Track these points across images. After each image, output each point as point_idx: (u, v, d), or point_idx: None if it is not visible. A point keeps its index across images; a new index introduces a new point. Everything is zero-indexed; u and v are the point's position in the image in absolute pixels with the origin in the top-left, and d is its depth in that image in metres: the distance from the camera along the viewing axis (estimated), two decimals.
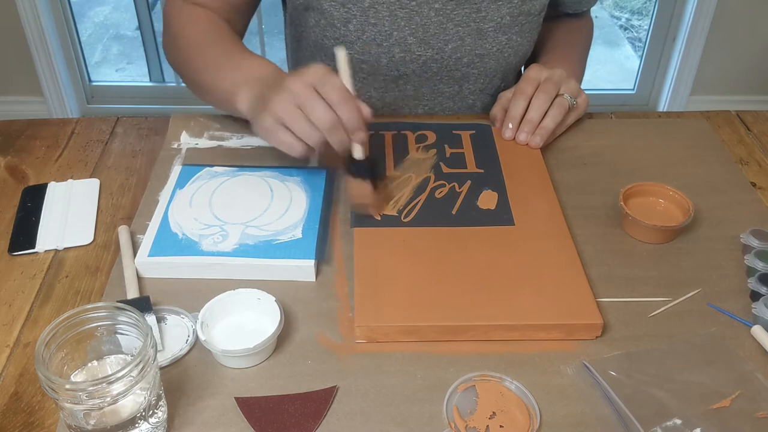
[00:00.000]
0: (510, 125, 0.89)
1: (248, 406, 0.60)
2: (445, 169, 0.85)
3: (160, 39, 2.60)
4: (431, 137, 0.90)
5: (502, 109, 0.92)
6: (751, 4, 2.40)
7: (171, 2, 0.95)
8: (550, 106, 0.89)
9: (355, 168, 0.76)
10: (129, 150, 0.93)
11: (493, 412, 0.60)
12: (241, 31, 1.00)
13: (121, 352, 0.58)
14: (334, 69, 0.73)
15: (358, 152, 0.75)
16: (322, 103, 0.70)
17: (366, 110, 0.73)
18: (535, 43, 1.03)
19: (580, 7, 1.08)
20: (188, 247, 0.73)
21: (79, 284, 0.73)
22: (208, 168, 0.85)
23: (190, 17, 0.92)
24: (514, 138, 0.90)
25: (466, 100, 1.03)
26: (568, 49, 0.96)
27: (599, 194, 0.84)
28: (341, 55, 0.74)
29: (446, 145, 0.89)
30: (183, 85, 2.63)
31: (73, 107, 2.59)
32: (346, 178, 0.78)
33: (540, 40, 1.05)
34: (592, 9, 1.12)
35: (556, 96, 0.90)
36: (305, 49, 1.02)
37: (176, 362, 0.64)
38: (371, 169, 0.77)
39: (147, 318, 0.66)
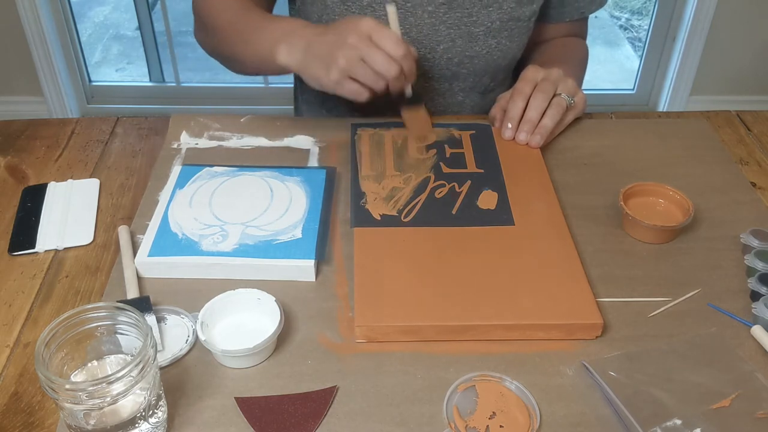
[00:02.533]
0: (509, 125, 0.90)
1: (248, 406, 0.60)
2: (445, 169, 0.85)
3: (160, 39, 2.61)
4: (431, 137, 0.90)
5: (501, 110, 0.93)
6: (751, 4, 2.40)
7: None
8: (548, 106, 0.90)
9: (409, 102, 0.88)
10: (129, 150, 0.93)
11: (493, 412, 0.60)
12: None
13: (121, 352, 0.58)
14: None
15: (410, 91, 0.87)
16: (384, 55, 0.78)
17: (416, 55, 0.84)
18: (525, 47, 1.05)
19: (582, 12, 1.07)
20: (188, 247, 0.73)
21: (79, 284, 0.73)
22: (208, 168, 0.85)
23: (218, 3, 0.96)
24: (514, 138, 0.90)
25: (456, 97, 1.05)
26: (565, 65, 0.98)
27: (599, 194, 0.84)
28: (392, 10, 0.84)
29: (446, 145, 0.89)
30: (183, 85, 2.66)
31: (73, 107, 2.59)
32: (403, 114, 0.90)
33: (533, 56, 1.07)
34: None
35: (554, 95, 0.91)
36: None
37: (176, 362, 0.64)
38: (420, 101, 0.89)
39: (147, 318, 0.66)
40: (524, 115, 0.90)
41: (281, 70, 0.87)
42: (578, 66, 1.09)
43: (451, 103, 1.06)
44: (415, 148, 0.88)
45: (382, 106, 0.92)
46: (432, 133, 0.91)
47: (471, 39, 0.97)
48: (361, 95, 0.81)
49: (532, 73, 0.92)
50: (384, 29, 0.79)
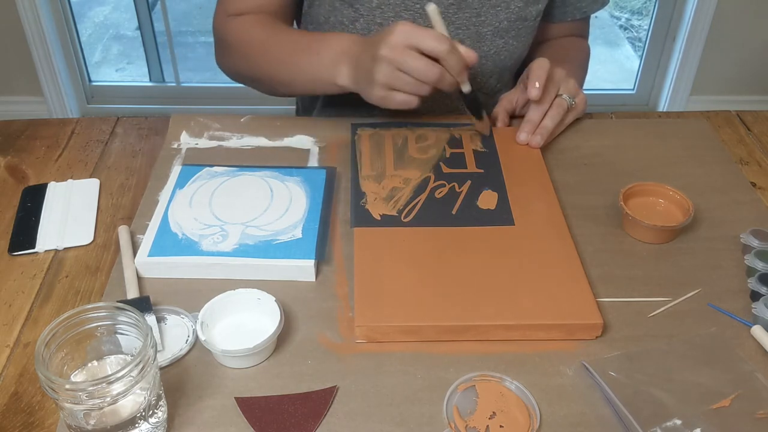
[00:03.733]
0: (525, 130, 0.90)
1: (248, 406, 0.60)
2: (445, 169, 0.85)
3: (160, 39, 2.61)
4: (431, 137, 0.90)
5: (504, 110, 0.94)
6: (751, 4, 2.40)
7: (219, 19, 0.98)
8: (549, 107, 0.90)
9: (466, 99, 0.85)
10: (129, 150, 0.93)
11: (493, 412, 0.60)
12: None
13: (121, 352, 0.58)
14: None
15: (466, 88, 0.83)
16: (422, 60, 0.76)
17: (468, 54, 0.79)
18: (529, 47, 1.05)
19: (584, 12, 1.08)
20: (188, 247, 0.73)
21: (79, 284, 0.73)
22: (208, 168, 0.85)
23: (245, 24, 0.95)
24: (516, 137, 0.90)
25: (487, 102, 1.04)
26: (566, 65, 0.98)
27: (599, 194, 0.84)
28: (432, 9, 0.80)
29: (446, 145, 0.89)
30: (183, 85, 2.66)
31: (73, 107, 2.59)
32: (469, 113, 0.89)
33: (535, 56, 1.06)
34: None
35: (555, 96, 0.91)
36: None
37: (176, 362, 0.64)
38: (477, 99, 0.87)
39: (147, 318, 0.66)
40: (525, 115, 0.90)
41: (340, 90, 0.86)
42: (579, 66, 1.09)
43: (457, 105, 1.05)
44: (415, 148, 0.88)
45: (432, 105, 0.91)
46: (486, 130, 0.90)
47: (479, 39, 0.98)
48: (411, 103, 0.80)
49: (540, 69, 0.91)
50: (420, 30, 0.76)
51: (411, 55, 0.75)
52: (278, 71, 0.92)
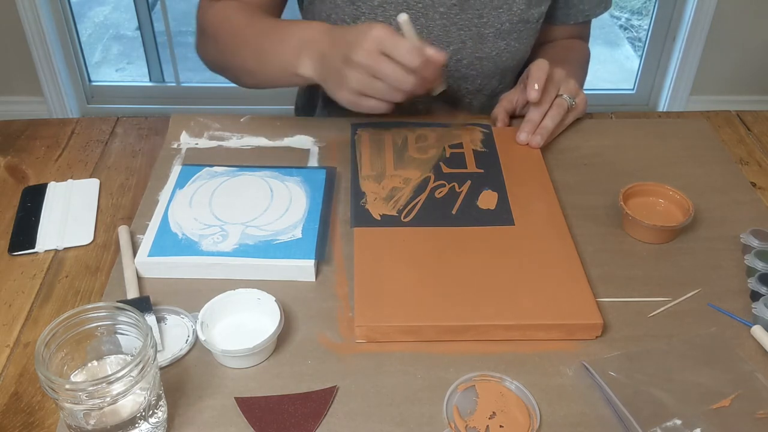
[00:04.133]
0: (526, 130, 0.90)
1: (248, 406, 0.60)
2: (445, 169, 0.85)
3: (160, 39, 2.61)
4: (431, 137, 0.90)
5: (504, 110, 0.94)
6: (751, 4, 2.40)
7: (201, 5, 0.96)
8: (550, 107, 0.90)
9: (440, 98, 0.85)
10: (129, 150, 0.93)
11: (493, 412, 0.60)
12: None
13: (121, 352, 0.58)
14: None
15: (439, 90, 0.84)
16: (397, 67, 0.72)
17: (439, 57, 0.75)
18: (531, 49, 1.05)
19: (587, 15, 1.08)
20: (188, 247, 0.73)
21: (79, 284, 0.73)
22: (208, 168, 0.85)
23: (222, 11, 0.92)
24: (516, 136, 0.90)
25: (463, 99, 1.05)
26: (567, 66, 0.98)
27: (599, 194, 0.84)
28: (404, 19, 0.77)
29: (446, 145, 0.89)
30: (183, 85, 2.66)
31: (73, 107, 2.59)
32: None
33: (536, 57, 1.06)
34: None
35: (556, 96, 0.91)
36: None
37: (176, 362, 0.64)
38: (451, 98, 0.88)
39: (147, 318, 0.66)
40: (525, 115, 0.91)
41: (303, 82, 0.84)
42: (580, 67, 1.09)
43: (458, 106, 1.05)
44: (415, 148, 0.88)
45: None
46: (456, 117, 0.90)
47: (481, 40, 0.97)
48: (381, 109, 0.77)
49: (540, 71, 0.90)
50: (395, 39, 0.73)
51: (385, 62, 0.72)
52: (244, 58, 0.89)
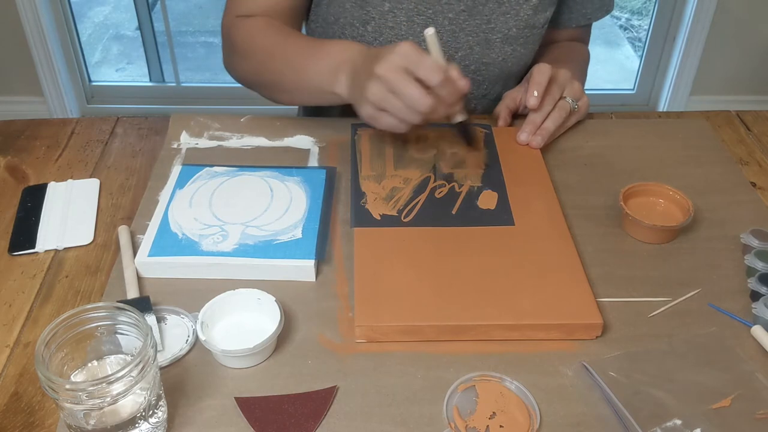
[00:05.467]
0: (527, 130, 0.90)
1: (248, 406, 0.60)
2: (446, 169, 0.85)
3: (160, 39, 2.61)
4: (431, 137, 0.90)
5: (507, 108, 0.94)
6: (751, 4, 2.40)
7: (228, 19, 0.96)
8: (552, 109, 0.90)
9: (459, 127, 0.85)
10: (129, 150, 0.93)
11: (493, 412, 0.60)
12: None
13: (121, 352, 0.58)
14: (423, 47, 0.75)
15: (459, 119, 0.83)
16: (417, 88, 0.72)
17: (462, 83, 0.76)
18: (535, 53, 1.05)
19: (589, 19, 1.08)
20: (188, 247, 0.73)
21: (79, 284, 0.73)
22: (208, 168, 0.85)
23: (253, 28, 0.93)
24: (517, 135, 0.90)
25: (469, 104, 1.06)
26: (570, 66, 0.98)
27: (599, 194, 0.84)
28: (431, 33, 0.77)
29: (446, 145, 0.89)
30: (183, 85, 2.66)
31: (73, 107, 2.59)
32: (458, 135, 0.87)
33: (537, 58, 1.07)
34: None
35: (559, 98, 0.91)
36: None
37: (176, 362, 0.64)
38: (469, 128, 0.86)
39: (147, 318, 0.66)
40: (528, 115, 0.91)
41: (338, 101, 0.84)
42: (581, 70, 1.09)
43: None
44: (415, 148, 0.88)
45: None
46: (480, 150, 0.87)
47: (488, 46, 0.98)
48: (398, 128, 0.77)
49: (541, 76, 0.90)
50: (420, 55, 0.73)
51: (405, 79, 0.72)
52: (282, 77, 0.90)
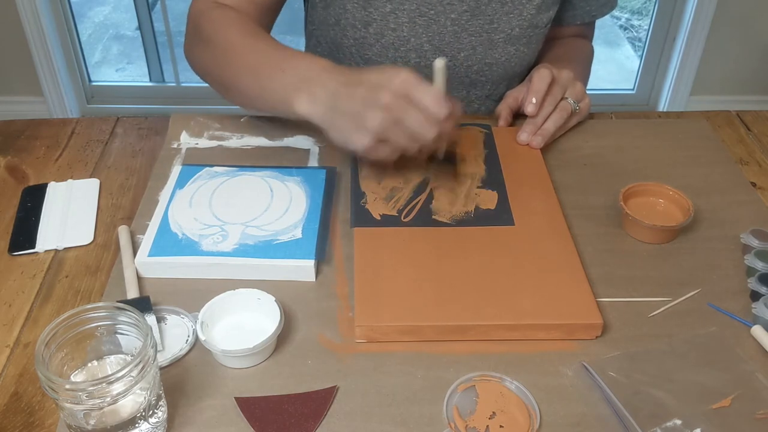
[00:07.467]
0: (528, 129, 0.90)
1: (248, 406, 0.60)
2: (446, 169, 0.85)
3: (160, 39, 2.61)
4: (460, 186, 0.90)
5: (508, 107, 0.94)
6: (751, 5, 2.40)
7: (201, 4, 0.91)
8: (553, 109, 0.90)
9: (439, 162, 0.84)
10: (129, 150, 0.93)
11: (493, 412, 0.60)
12: (267, 31, 0.96)
13: (121, 352, 0.58)
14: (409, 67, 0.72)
15: (443, 154, 0.83)
16: (422, 117, 0.69)
17: (454, 107, 0.72)
18: (538, 53, 1.05)
19: (593, 16, 1.08)
20: (188, 247, 0.73)
21: (79, 284, 0.73)
22: (208, 168, 0.85)
23: (222, 20, 0.87)
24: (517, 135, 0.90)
25: (472, 105, 1.06)
26: (572, 64, 0.98)
27: (599, 194, 0.84)
28: (441, 65, 0.72)
29: (446, 145, 0.89)
30: (183, 85, 2.66)
31: (73, 107, 2.59)
32: (432, 169, 0.85)
33: (540, 55, 1.07)
34: None
35: (561, 99, 0.91)
36: (323, 45, 1.04)
37: (176, 362, 0.64)
38: (452, 160, 0.86)
39: (147, 318, 0.66)
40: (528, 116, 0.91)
41: (295, 118, 0.77)
42: (585, 68, 1.09)
43: (467, 111, 1.06)
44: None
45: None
46: (459, 185, 0.83)
47: (491, 46, 0.98)
48: (390, 158, 0.74)
49: (541, 82, 0.89)
50: (424, 86, 0.69)
51: (414, 111, 0.68)
52: (239, 78, 0.84)
